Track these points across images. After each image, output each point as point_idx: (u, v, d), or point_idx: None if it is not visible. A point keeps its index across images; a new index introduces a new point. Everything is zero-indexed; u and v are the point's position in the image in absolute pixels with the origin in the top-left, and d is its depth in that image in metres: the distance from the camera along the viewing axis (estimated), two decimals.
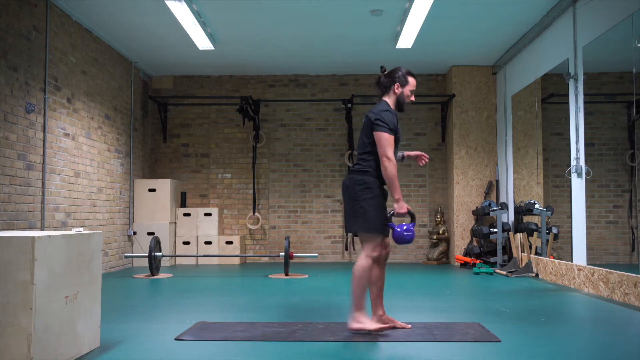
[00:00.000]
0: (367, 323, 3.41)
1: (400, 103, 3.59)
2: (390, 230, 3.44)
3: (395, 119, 3.48)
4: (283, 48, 7.52)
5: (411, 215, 3.50)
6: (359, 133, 3.64)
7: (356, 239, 8.63)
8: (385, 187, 3.50)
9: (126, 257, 7.03)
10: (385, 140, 3.39)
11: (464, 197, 8.22)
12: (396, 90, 3.57)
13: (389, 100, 3.59)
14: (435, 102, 8.68)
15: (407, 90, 3.58)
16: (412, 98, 3.62)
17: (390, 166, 3.36)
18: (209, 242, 8.29)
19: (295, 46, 7.45)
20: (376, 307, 3.56)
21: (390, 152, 3.38)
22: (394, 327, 3.54)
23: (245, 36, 6.99)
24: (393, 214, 3.44)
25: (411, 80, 3.60)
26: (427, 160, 3.80)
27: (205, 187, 8.87)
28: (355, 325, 3.42)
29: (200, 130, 8.90)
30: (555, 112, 6.67)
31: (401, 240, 3.40)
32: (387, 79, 3.61)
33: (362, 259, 3.42)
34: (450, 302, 4.85)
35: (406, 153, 3.82)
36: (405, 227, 3.39)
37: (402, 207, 3.40)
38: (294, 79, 8.88)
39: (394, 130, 3.44)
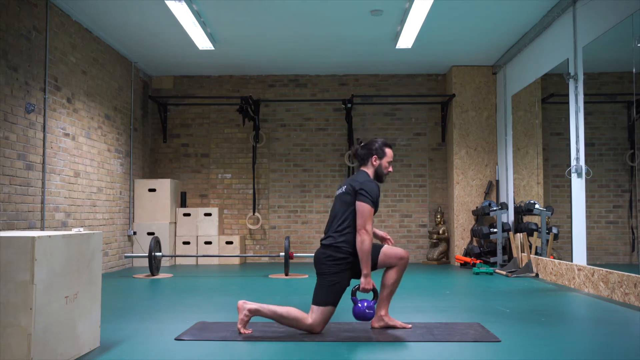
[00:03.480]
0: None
1: (379, 175, 3.58)
2: (353, 305, 3.43)
3: (379, 192, 3.45)
4: (283, 48, 7.53)
5: (374, 292, 3.48)
6: (334, 200, 3.56)
7: None
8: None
9: (126, 257, 7.03)
10: (367, 212, 3.35)
11: (464, 197, 8.22)
12: (374, 163, 3.56)
13: (368, 171, 3.57)
14: (435, 102, 8.69)
15: (384, 162, 3.57)
16: (390, 169, 3.61)
17: (367, 240, 3.32)
18: (209, 242, 8.29)
19: (295, 46, 7.45)
20: (380, 307, 3.57)
21: (369, 225, 3.35)
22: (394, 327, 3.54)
23: (245, 36, 6.99)
24: (358, 289, 3.42)
25: (388, 151, 3.59)
26: (391, 243, 3.68)
27: (205, 187, 8.87)
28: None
29: (200, 130, 8.90)
30: (555, 112, 6.67)
31: (362, 317, 3.41)
32: (364, 150, 3.59)
33: (306, 320, 3.35)
34: (450, 302, 4.85)
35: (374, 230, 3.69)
36: (366, 305, 3.39)
37: (368, 283, 3.37)
38: (294, 79, 8.88)
39: (375, 204, 3.40)
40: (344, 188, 3.50)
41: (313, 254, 7.23)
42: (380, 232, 3.73)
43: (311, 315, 3.38)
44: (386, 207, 8.66)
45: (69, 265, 2.80)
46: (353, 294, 3.46)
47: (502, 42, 7.27)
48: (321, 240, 3.50)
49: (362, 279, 3.37)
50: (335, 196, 3.59)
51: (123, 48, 7.49)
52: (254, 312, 3.40)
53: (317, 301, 3.39)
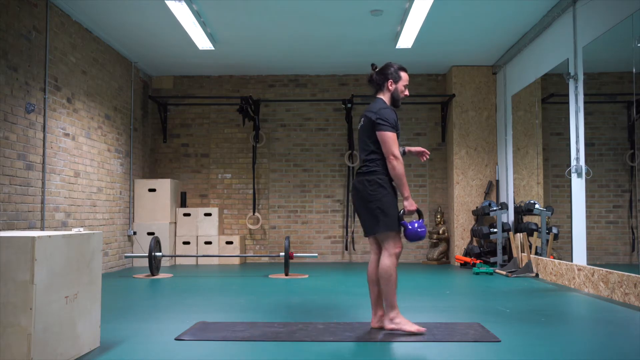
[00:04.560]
0: (404, 324, 3.41)
1: (395, 99, 3.60)
2: (403, 229, 3.44)
3: (395, 115, 3.49)
4: (283, 48, 7.52)
5: (419, 212, 3.52)
6: (358, 133, 3.63)
7: (356, 238, 8.63)
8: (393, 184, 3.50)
9: (126, 257, 7.03)
10: (389, 139, 3.39)
11: (464, 197, 8.22)
12: (390, 87, 3.58)
13: (384, 97, 3.59)
14: (435, 102, 8.69)
15: (400, 85, 3.58)
16: (406, 93, 3.62)
17: (397, 165, 3.37)
18: (209, 242, 8.29)
19: (295, 46, 7.45)
20: (377, 308, 3.56)
21: (396, 150, 3.39)
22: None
23: (245, 36, 6.99)
24: (404, 212, 3.44)
25: (404, 75, 3.60)
26: (428, 156, 3.80)
27: (205, 187, 8.87)
28: (391, 325, 3.43)
29: (200, 130, 8.90)
30: (555, 112, 6.67)
31: (415, 237, 3.42)
32: (380, 76, 3.61)
33: (387, 258, 3.41)
34: (450, 302, 4.85)
35: (407, 148, 3.82)
36: (417, 224, 3.41)
37: (412, 204, 3.42)
38: (294, 79, 8.88)
39: (395, 127, 3.44)
40: (362, 121, 3.55)
41: (313, 255, 7.22)
42: (415, 149, 3.78)
43: (388, 249, 3.40)
44: None
45: (69, 265, 2.80)
46: (400, 219, 3.45)
47: (502, 42, 7.27)
48: (357, 170, 3.55)
49: (405, 202, 3.41)
50: (358, 131, 3.64)
51: (123, 48, 7.49)
52: (396, 314, 3.41)
53: (386, 227, 3.38)
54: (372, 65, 3.70)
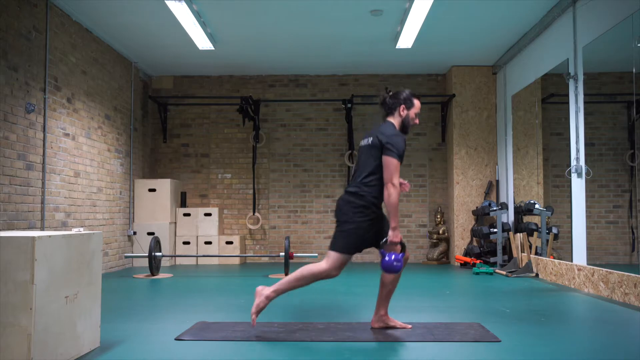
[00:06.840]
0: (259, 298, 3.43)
1: (405, 125, 3.55)
2: (380, 257, 3.40)
3: (404, 145, 3.42)
4: (283, 48, 7.53)
5: (402, 245, 3.45)
6: (359, 151, 3.56)
7: None
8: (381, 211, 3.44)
9: (126, 257, 7.03)
10: (394, 166, 3.34)
11: (464, 197, 8.22)
12: (402, 113, 3.53)
13: (394, 121, 3.54)
14: (435, 102, 8.68)
15: (412, 112, 3.55)
16: (417, 121, 3.59)
17: (394, 193, 3.33)
18: (209, 242, 8.29)
19: (295, 46, 7.45)
20: (379, 307, 3.58)
21: (396, 179, 3.34)
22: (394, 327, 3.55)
23: (245, 36, 6.99)
24: (386, 242, 3.39)
25: (416, 102, 3.57)
26: (407, 189, 3.71)
27: (205, 187, 8.87)
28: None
29: (200, 130, 8.90)
30: (555, 112, 6.67)
31: (390, 269, 3.35)
32: (393, 100, 3.56)
33: (321, 266, 3.39)
34: (450, 302, 4.85)
35: None
36: (394, 257, 3.33)
37: (396, 236, 3.34)
38: (294, 79, 8.88)
39: (402, 157, 3.39)
40: (369, 140, 3.48)
41: (313, 255, 7.24)
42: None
43: (327, 261, 3.40)
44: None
45: (69, 265, 2.80)
46: (381, 246, 3.42)
47: (502, 42, 7.27)
48: (346, 189, 3.52)
49: (390, 232, 3.35)
50: (360, 147, 3.58)
51: (123, 48, 7.49)
52: (273, 296, 3.43)
53: (334, 246, 3.41)
54: (386, 88, 3.69)
